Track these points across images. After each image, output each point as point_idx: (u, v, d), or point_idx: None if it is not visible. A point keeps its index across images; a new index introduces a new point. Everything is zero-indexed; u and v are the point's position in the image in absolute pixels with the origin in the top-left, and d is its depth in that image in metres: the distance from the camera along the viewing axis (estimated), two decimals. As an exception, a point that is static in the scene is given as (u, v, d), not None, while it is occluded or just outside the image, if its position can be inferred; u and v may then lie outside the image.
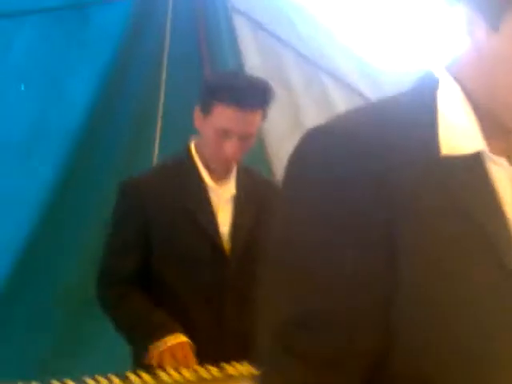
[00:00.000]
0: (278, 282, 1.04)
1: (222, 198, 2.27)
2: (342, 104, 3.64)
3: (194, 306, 2.15)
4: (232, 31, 3.29)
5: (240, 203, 2.28)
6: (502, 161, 1.09)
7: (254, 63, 3.34)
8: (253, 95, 2.13)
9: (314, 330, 0.99)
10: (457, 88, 1.09)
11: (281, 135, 3.31)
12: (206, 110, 2.17)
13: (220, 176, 2.27)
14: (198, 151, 2.27)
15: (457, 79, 1.09)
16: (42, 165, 3.07)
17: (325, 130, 1.04)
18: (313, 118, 3.48)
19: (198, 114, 2.21)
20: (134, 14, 3.21)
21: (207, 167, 2.25)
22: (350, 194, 0.99)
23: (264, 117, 2.22)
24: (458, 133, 1.06)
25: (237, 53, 3.28)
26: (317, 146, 1.03)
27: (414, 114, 1.07)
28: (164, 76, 3.07)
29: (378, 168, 0.99)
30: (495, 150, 1.08)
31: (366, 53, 3.74)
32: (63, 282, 3.09)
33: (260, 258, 1.07)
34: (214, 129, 2.15)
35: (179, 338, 2.10)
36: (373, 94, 3.71)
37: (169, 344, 2.08)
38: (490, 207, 1.05)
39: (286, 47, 3.54)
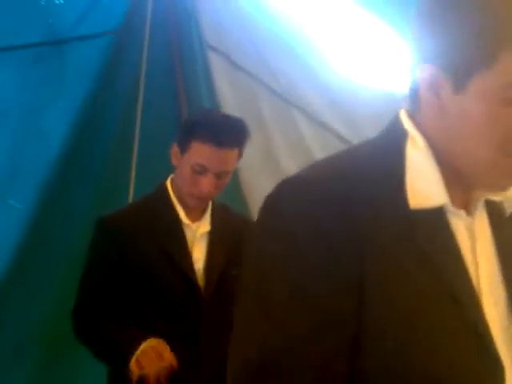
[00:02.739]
0: (245, 326, 1.07)
1: (197, 235, 2.30)
2: (313, 139, 3.70)
3: (171, 344, 2.16)
4: (207, 68, 3.34)
5: (214, 240, 2.31)
6: (461, 213, 1.14)
7: (228, 99, 3.40)
8: (229, 133, 2.19)
9: (278, 374, 1.02)
10: (422, 139, 1.13)
11: (254, 170, 3.36)
12: (184, 147, 2.21)
13: (195, 212, 2.31)
14: (173, 188, 2.31)
15: (421, 130, 1.14)
16: (17, 201, 3.08)
17: (299, 181, 1.09)
18: (285, 152, 3.54)
19: (175, 150, 2.25)
20: (109, 51, 3.26)
21: (183, 204, 2.28)
22: (323, 243, 1.03)
23: (240, 155, 2.27)
24: (425, 185, 1.10)
25: (212, 89, 3.33)
26: (291, 196, 1.07)
27: (384, 165, 1.11)
28: (139, 113, 3.11)
29: (350, 219, 1.03)
30: (454, 200, 1.13)
31: (340, 88, 3.80)
32: (39, 319, 3.08)
33: (233, 295, 1.11)
34: (190, 165, 2.19)
35: (154, 341, 2.13)
36: (344, 129, 3.78)
37: (145, 347, 2.11)
38: (452, 261, 1.10)
39: (258, 83, 3.60)
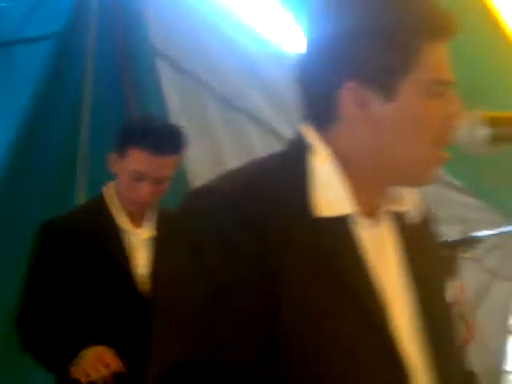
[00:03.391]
0: (160, 336, 1.07)
1: (140, 241, 2.31)
2: (261, 145, 3.72)
3: (116, 348, 2.15)
4: (155, 73, 3.34)
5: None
6: (367, 222, 1.17)
7: (175, 104, 3.40)
8: (167, 140, 2.22)
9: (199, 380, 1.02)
10: (327, 151, 1.15)
11: (201, 173, 3.37)
12: (121, 154, 2.24)
13: (137, 218, 2.32)
14: (116, 193, 2.32)
15: (330, 143, 1.16)
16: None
17: (204, 192, 1.11)
18: (233, 157, 3.56)
19: (113, 157, 2.28)
20: (55, 54, 3.21)
21: (125, 209, 2.30)
22: (227, 252, 1.04)
23: (179, 161, 2.30)
24: (329, 195, 1.13)
25: (160, 95, 3.33)
26: (196, 206, 1.09)
27: (288, 177, 1.14)
28: (86, 117, 3.09)
29: (255, 229, 1.05)
30: (362, 210, 1.16)
31: (286, 91, 3.84)
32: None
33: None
34: (128, 172, 2.22)
35: (98, 348, 2.12)
36: (290, 132, 3.81)
37: (88, 354, 2.09)
38: (356, 269, 1.13)
39: (205, 88, 3.61)
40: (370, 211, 1.19)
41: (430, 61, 1.10)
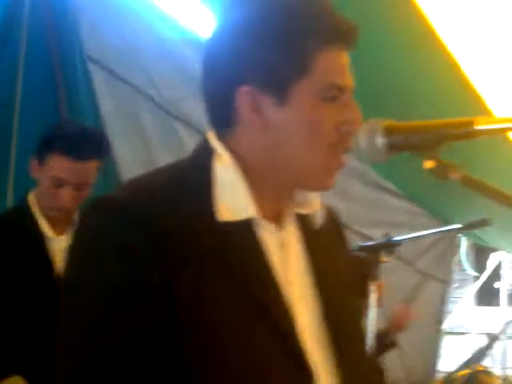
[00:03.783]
0: (64, 339, 1.08)
1: (62, 248, 2.27)
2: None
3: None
4: (87, 78, 3.33)
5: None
6: (272, 226, 1.18)
7: (109, 110, 3.40)
8: (87, 146, 2.21)
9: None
10: (231, 157, 1.16)
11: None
12: (42, 160, 2.23)
13: (62, 225, 2.30)
14: (37, 200, 2.30)
15: (233, 149, 1.17)
16: None
17: (104, 202, 1.12)
18: (167, 162, 3.55)
19: (34, 163, 2.26)
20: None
21: (47, 216, 2.28)
22: (126, 260, 1.06)
23: (100, 167, 2.28)
24: (232, 199, 1.14)
25: (93, 101, 3.32)
26: (94, 217, 1.11)
27: (191, 183, 1.15)
28: (16, 122, 3.06)
29: (153, 236, 1.06)
30: (267, 214, 1.17)
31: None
32: None
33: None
34: (48, 178, 2.21)
35: (11, 380, 2.09)
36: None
37: None
38: (260, 273, 1.13)
39: (139, 94, 3.61)
40: (276, 215, 1.20)
41: (323, 66, 1.11)
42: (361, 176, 4.51)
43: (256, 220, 1.15)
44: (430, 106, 3.19)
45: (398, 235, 2.69)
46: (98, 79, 3.39)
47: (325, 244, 1.27)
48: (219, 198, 1.13)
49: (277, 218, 1.20)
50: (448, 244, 5.37)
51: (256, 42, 1.12)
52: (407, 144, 1.13)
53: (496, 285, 6.58)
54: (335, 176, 1.19)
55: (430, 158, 1.11)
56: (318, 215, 1.25)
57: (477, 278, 7.16)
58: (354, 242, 2.71)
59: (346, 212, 4.27)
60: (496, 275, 6.74)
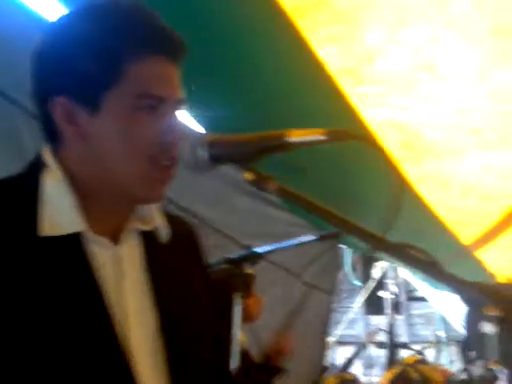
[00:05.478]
0: None
1: None
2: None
3: None
4: None
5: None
6: (105, 241, 1.17)
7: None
8: None
9: None
10: (59, 171, 1.15)
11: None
12: None
13: None
14: None
15: (64, 162, 1.16)
16: None
17: None
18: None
19: None
20: None
21: None
22: None
23: None
24: (58, 213, 1.12)
25: None
26: None
27: (15, 199, 1.13)
28: None
29: None
30: (101, 229, 1.17)
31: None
32: None
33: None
34: None
35: None
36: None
37: None
38: (85, 288, 1.12)
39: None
40: (115, 230, 1.19)
41: (137, 76, 1.11)
42: (242, 187, 4.54)
43: (86, 234, 1.13)
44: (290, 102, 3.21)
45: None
46: None
47: (172, 259, 1.26)
48: (44, 213, 1.11)
49: (116, 233, 1.19)
50: (333, 255, 5.49)
51: (68, 54, 1.11)
52: (228, 157, 1.15)
53: (380, 294, 6.75)
54: (162, 188, 1.19)
55: (249, 169, 1.14)
56: (163, 230, 1.24)
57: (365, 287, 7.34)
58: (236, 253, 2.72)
59: (227, 223, 4.34)
60: (382, 285, 6.93)
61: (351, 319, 7.42)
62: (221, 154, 1.15)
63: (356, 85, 3.37)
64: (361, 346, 4.35)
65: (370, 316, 7.77)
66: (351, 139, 1.06)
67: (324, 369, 3.66)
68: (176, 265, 1.28)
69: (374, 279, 6.36)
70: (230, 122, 2.96)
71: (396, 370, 2.86)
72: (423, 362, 3.16)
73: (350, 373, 3.11)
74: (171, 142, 1.15)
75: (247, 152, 1.14)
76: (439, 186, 4.36)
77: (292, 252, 4.48)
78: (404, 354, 4.09)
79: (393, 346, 4.63)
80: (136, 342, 1.15)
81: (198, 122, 3.27)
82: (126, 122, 1.12)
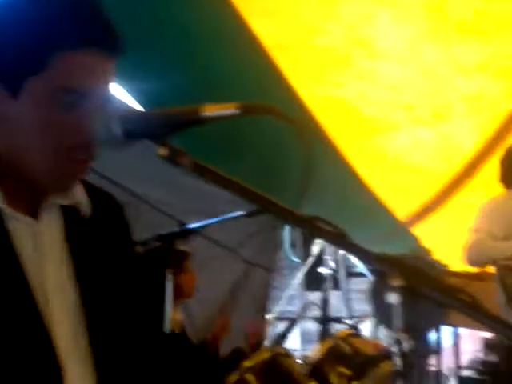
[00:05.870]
0: None
1: None
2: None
3: None
4: None
5: None
6: (26, 218, 1.17)
7: None
8: None
9: None
10: None
11: None
12: None
13: None
14: None
15: None
16: None
17: None
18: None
19: None
20: None
21: None
22: None
23: None
24: None
25: None
26: None
27: None
28: None
29: None
30: (20, 205, 1.17)
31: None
32: None
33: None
34: None
35: None
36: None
37: None
38: (6, 265, 1.12)
39: None
40: (33, 206, 1.19)
41: (64, 67, 1.11)
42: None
43: (5, 211, 1.13)
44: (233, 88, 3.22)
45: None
46: None
47: (94, 233, 1.26)
48: None
49: (37, 209, 1.19)
50: (271, 232, 5.50)
51: None
52: (142, 132, 1.13)
53: (319, 270, 6.82)
54: (72, 181, 1.20)
55: (162, 145, 1.12)
56: (84, 205, 1.24)
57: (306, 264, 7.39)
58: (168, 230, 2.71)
59: (167, 201, 4.31)
60: (322, 261, 6.99)
61: (290, 295, 7.47)
62: (134, 129, 1.12)
63: (291, 61, 3.37)
64: (294, 321, 4.40)
65: (309, 292, 7.83)
66: (263, 113, 1.05)
67: (259, 344, 3.69)
68: (98, 239, 1.27)
69: (313, 256, 6.40)
70: (165, 97, 2.93)
71: (328, 343, 2.89)
72: (356, 335, 3.20)
73: (282, 347, 3.15)
74: (89, 140, 1.15)
75: (161, 127, 1.12)
76: (374, 162, 4.42)
77: (230, 229, 4.48)
78: (340, 328, 4.14)
79: (326, 320, 4.69)
80: (57, 317, 1.16)
81: (134, 97, 3.24)
82: (42, 110, 1.12)
